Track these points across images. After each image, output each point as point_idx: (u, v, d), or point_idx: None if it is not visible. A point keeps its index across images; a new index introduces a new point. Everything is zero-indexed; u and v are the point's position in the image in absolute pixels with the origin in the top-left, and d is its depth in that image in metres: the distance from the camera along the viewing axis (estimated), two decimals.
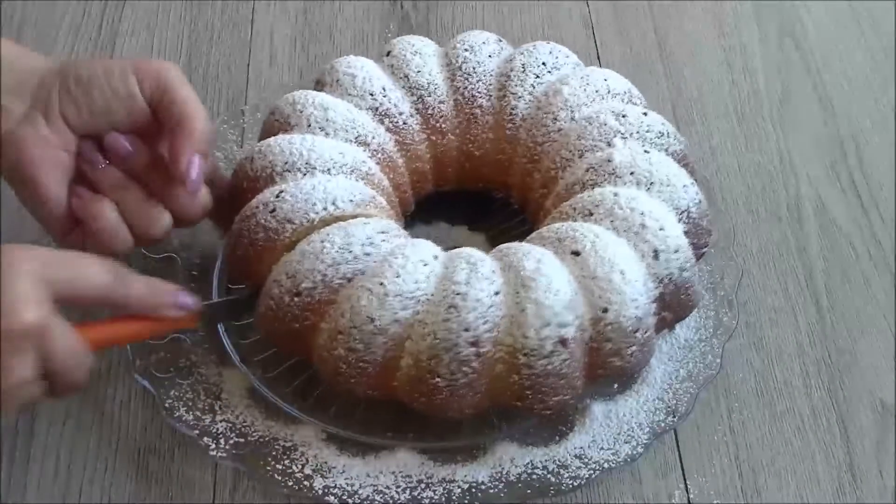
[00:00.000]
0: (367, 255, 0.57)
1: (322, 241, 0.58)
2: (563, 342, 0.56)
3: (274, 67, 0.84)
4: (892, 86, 0.86)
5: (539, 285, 0.56)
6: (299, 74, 0.84)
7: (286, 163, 0.62)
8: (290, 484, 0.60)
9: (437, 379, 0.56)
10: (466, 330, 0.55)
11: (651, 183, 0.62)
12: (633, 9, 0.91)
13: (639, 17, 0.90)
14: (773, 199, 0.78)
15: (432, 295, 0.57)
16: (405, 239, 0.60)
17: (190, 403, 0.62)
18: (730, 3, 0.92)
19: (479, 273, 0.57)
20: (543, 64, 0.69)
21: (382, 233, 0.58)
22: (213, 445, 0.61)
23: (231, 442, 0.61)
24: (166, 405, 0.62)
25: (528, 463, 0.61)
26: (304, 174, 0.62)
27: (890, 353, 0.69)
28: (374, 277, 0.56)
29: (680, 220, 0.61)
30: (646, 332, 0.59)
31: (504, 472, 0.61)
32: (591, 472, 0.61)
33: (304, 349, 0.59)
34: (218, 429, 0.61)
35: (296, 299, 0.57)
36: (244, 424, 0.62)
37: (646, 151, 0.63)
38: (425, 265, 0.57)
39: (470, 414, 0.59)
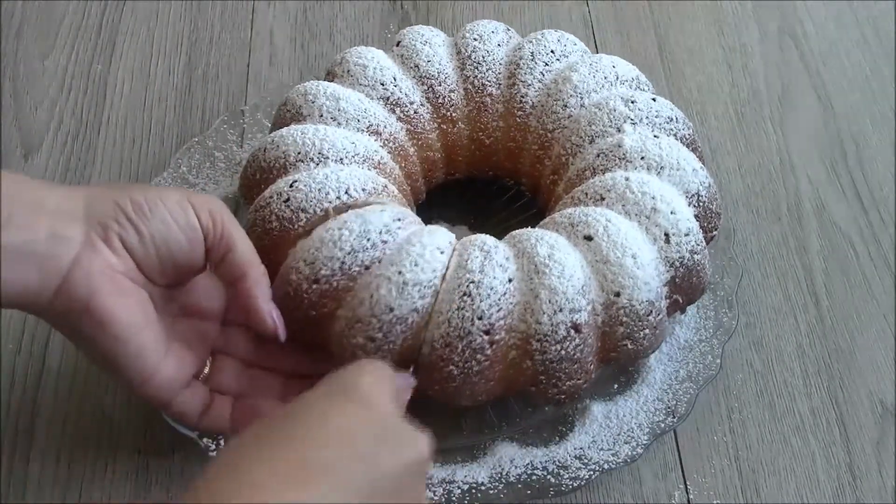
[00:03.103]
0: (385, 242, 0.58)
1: (340, 229, 0.58)
2: (576, 327, 0.56)
3: (274, 67, 0.84)
4: (892, 86, 0.86)
5: (552, 271, 0.56)
6: (299, 74, 0.84)
7: (299, 153, 0.62)
8: None
9: (451, 367, 0.56)
10: (480, 318, 0.56)
11: (661, 167, 0.62)
12: (633, 9, 0.91)
13: (639, 17, 0.90)
14: (773, 199, 0.78)
15: (448, 282, 0.57)
16: (419, 226, 0.60)
17: None
18: (730, 3, 0.92)
19: (493, 261, 0.57)
20: (552, 52, 0.70)
21: (398, 220, 0.59)
22: (213, 445, 0.61)
23: None
24: None
25: (528, 463, 0.61)
26: (317, 164, 0.62)
27: (890, 353, 0.69)
28: (392, 266, 0.56)
29: (690, 203, 0.62)
30: (658, 316, 0.59)
31: (504, 473, 0.61)
32: (591, 472, 0.61)
33: (319, 336, 0.59)
34: None
35: (314, 286, 0.57)
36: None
37: (655, 136, 0.64)
38: (441, 253, 0.57)
39: (483, 401, 0.59)
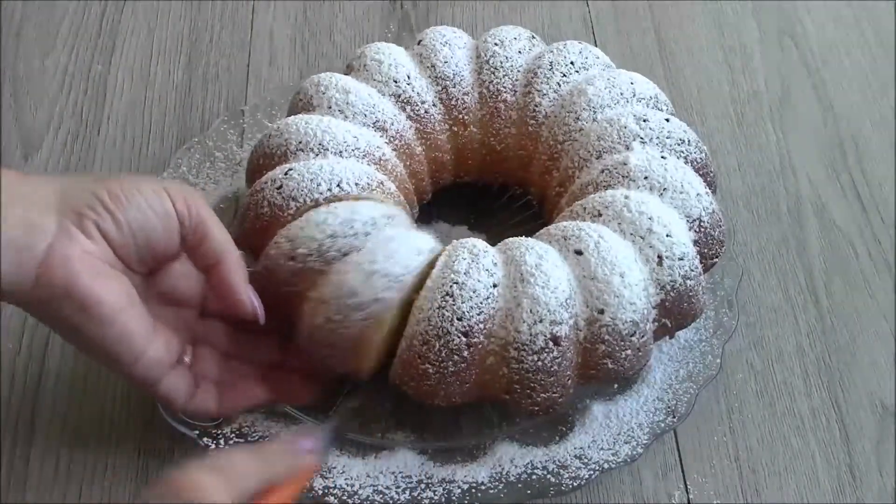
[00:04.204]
0: (367, 234, 0.58)
1: (327, 213, 0.58)
2: (554, 340, 0.56)
3: (274, 67, 0.84)
4: (892, 86, 0.86)
5: (537, 281, 0.56)
6: (299, 74, 0.84)
7: (300, 142, 0.63)
8: None
9: (427, 365, 0.56)
10: (459, 319, 0.56)
11: (664, 189, 0.62)
12: (633, 9, 0.91)
13: (639, 17, 0.90)
14: (773, 199, 0.78)
15: (433, 280, 0.57)
16: (408, 229, 0.60)
17: None
18: (730, 3, 0.92)
19: (480, 264, 0.57)
20: (571, 63, 0.70)
21: (388, 217, 0.59)
22: (213, 446, 0.61)
23: (231, 442, 0.61)
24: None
25: (528, 463, 0.61)
26: (317, 154, 0.63)
27: (890, 353, 0.69)
28: (368, 253, 0.57)
29: (691, 228, 0.61)
30: (642, 337, 0.58)
31: (504, 473, 0.61)
32: (591, 472, 0.61)
33: (289, 314, 0.59)
34: (218, 429, 0.61)
35: (290, 263, 0.58)
36: (244, 425, 0.62)
37: (663, 157, 0.63)
38: (418, 254, 0.57)
39: (458, 403, 0.59)
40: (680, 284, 0.59)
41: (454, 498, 0.60)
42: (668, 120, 0.66)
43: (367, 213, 0.59)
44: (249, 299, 0.57)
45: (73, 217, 0.52)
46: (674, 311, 0.60)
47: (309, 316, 0.58)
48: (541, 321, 0.56)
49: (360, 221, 0.58)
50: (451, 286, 0.56)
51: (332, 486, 0.60)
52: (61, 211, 0.52)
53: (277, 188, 0.61)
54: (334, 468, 0.61)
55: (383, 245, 0.57)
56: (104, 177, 0.55)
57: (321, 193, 0.60)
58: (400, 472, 0.61)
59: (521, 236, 0.61)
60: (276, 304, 0.59)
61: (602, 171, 0.63)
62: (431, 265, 0.58)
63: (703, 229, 0.62)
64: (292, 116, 0.66)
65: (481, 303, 0.56)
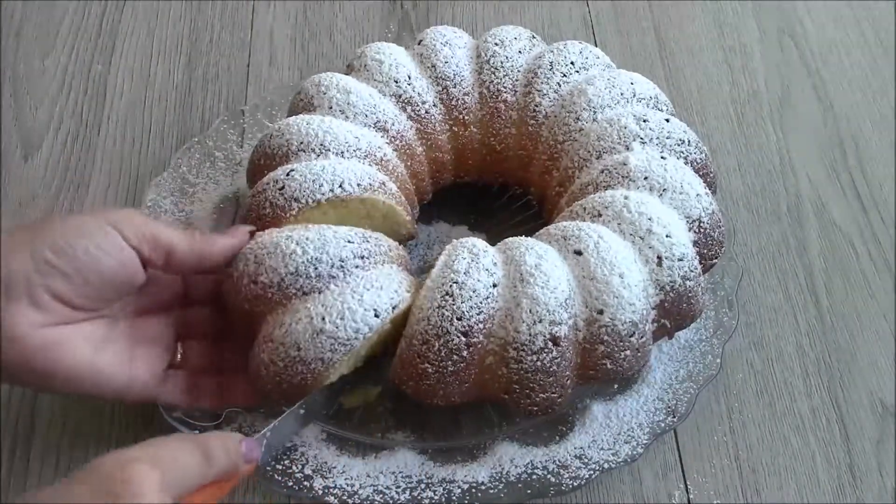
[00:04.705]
0: (333, 277, 0.57)
1: (296, 243, 0.57)
2: (554, 340, 0.56)
3: (274, 67, 0.84)
4: (892, 86, 0.86)
5: (537, 281, 0.56)
6: (299, 74, 0.84)
7: (301, 143, 0.63)
8: (290, 484, 0.60)
9: (427, 364, 0.56)
10: (459, 319, 0.56)
11: (664, 189, 0.62)
12: (633, 9, 0.91)
13: (639, 17, 0.90)
14: (773, 199, 0.78)
15: (433, 280, 0.57)
16: (382, 270, 0.58)
17: None
18: (730, 3, 0.92)
19: (480, 264, 0.57)
20: (572, 63, 0.70)
21: (361, 258, 0.58)
22: None
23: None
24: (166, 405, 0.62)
25: (528, 463, 0.61)
26: (318, 155, 0.63)
27: (890, 353, 0.69)
28: (323, 307, 0.56)
29: (690, 228, 0.61)
30: (641, 338, 0.58)
31: (504, 472, 0.61)
32: (592, 472, 0.61)
33: (250, 329, 0.59)
34: (217, 429, 0.61)
35: (252, 286, 0.57)
36: (244, 424, 0.62)
37: (663, 157, 0.63)
38: (376, 316, 0.56)
39: (457, 402, 0.59)
40: (679, 285, 0.59)
41: (454, 498, 0.60)
42: (668, 120, 0.66)
43: (336, 252, 0.57)
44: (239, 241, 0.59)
45: (19, 289, 0.50)
46: (673, 312, 0.60)
47: (258, 346, 0.57)
48: (540, 321, 0.56)
49: (325, 262, 0.56)
50: (450, 286, 0.56)
51: (332, 485, 0.60)
52: (7, 284, 0.50)
53: (279, 189, 0.61)
54: (334, 468, 0.61)
55: (343, 299, 0.56)
56: (44, 227, 0.52)
57: (323, 194, 0.60)
58: (400, 472, 0.61)
59: (521, 236, 0.61)
60: (239, 312, 0.59)
61: (602, 172, 0.63)
62: (400, 315, 0.57)
63: (702, 230, 0.62)
64: (293, 117, 0.66)
65: (481, 302, 0.56)
